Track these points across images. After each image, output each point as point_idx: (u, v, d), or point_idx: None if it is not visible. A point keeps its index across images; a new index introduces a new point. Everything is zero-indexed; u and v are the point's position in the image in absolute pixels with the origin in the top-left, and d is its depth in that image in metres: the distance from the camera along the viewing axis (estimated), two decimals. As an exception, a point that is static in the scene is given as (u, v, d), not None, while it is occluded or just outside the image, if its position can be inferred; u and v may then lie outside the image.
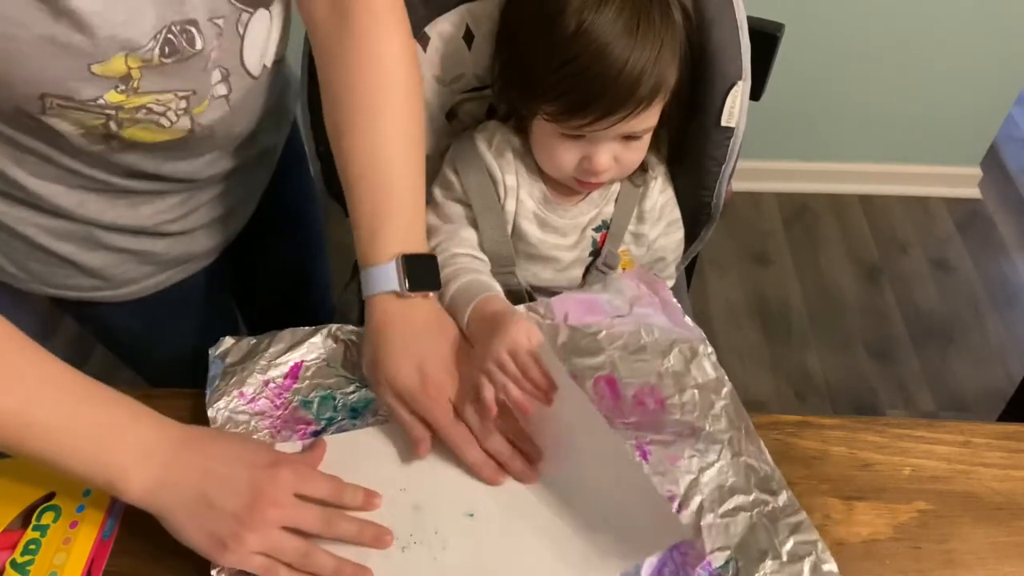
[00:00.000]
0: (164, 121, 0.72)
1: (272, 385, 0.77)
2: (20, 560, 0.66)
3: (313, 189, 1.15)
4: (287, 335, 0.80)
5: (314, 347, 0.80)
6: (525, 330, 0.71)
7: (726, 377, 0.78)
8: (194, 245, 0.89)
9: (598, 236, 0.93)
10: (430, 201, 0.90)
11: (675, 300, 0.85)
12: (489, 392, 0.69)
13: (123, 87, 0.66)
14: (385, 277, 0.71)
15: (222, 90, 0.75)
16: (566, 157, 0.84)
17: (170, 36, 0.66)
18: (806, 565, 0.65)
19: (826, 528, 0.70)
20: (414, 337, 0.71)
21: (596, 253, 0.93)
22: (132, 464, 0.61)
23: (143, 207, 0.82)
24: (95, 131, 0.70)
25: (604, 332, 0.81)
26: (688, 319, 0.83)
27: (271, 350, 0.79)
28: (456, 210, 0.90)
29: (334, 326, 0.81)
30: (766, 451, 0.72)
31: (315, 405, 0.76)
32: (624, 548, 0.66)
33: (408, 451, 0.72)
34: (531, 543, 0.67)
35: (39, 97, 0.65)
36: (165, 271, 0.89)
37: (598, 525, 0.68)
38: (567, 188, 0.90)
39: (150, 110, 0.70)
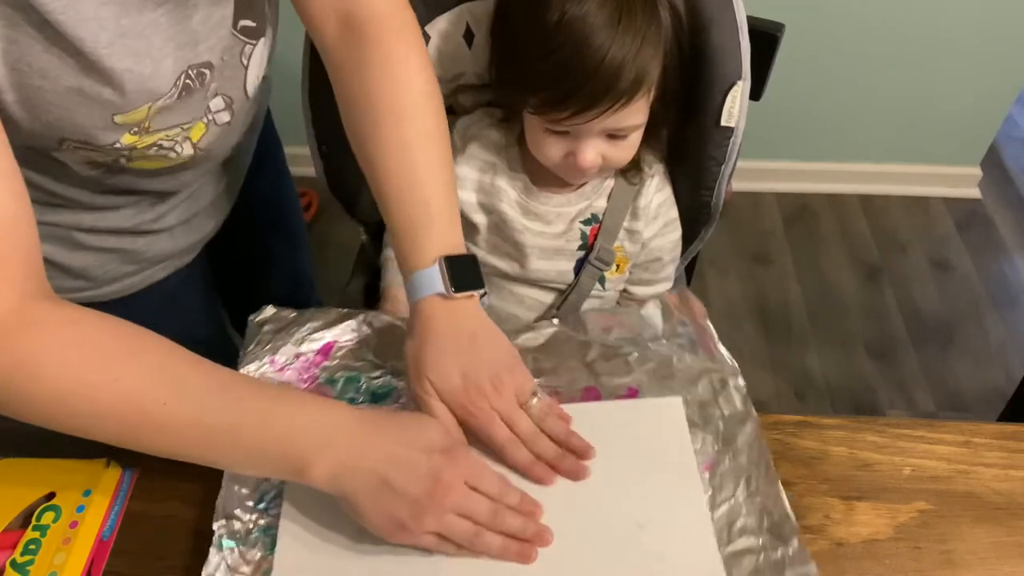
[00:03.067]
0: (172, 154, 0.74)
1: (303, 358, 0.78)
2: (20, 560, 0.65)
3: (289, 182, 1.15)
4: (324, 313, 0.82)
5: (348, 329, 0.81)
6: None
7: (754, 412, 0.75)
8: (174, 242, 0.91)
9: (587, 230, 0.93)
10: None
11: (711, 327, 0.82)
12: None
13: (136, 129, 0.67)
14: (430, 280, 0.72)
15: (225, 117, 0.76)
16: (552, 151, 0.85)
17: (187, 81, 0.68)
18: None
19: (826, 528, 0.70)
20: (460, 343, 0.71)
21: (588, 248, 0.93)
22: (315, 454, 0.62)
23: (122, 211, 0.83)
24: (103, 164, 0.71)
25: (636, 354, 0.79)
26: (723, 348, 0.80)
27: (308, 325, 0.81)
28: None
29: (371, 312, 0.82)
30: (784, 494, 0.69)
31: (340, 384, 0.77)
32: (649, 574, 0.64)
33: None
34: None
35: (58, 141, 0.66)
36: (148, 269, 0.90)
37: (627, 546, 0.66)
38: (552, 180, 0.91)
39: (160, 146, 0.72)
